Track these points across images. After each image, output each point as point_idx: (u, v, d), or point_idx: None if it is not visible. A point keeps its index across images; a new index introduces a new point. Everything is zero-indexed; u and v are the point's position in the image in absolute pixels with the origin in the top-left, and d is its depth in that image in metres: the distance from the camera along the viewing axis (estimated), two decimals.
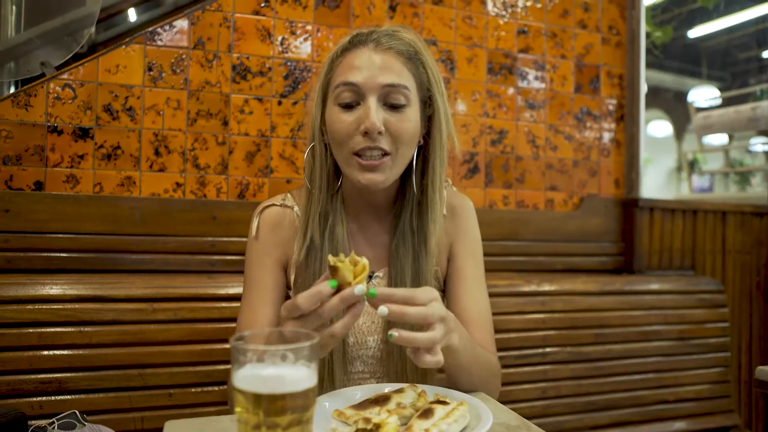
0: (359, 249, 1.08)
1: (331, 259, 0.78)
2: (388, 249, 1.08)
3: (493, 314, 1.77)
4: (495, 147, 2.03)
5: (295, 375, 0.59)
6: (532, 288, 1.84)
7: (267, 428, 0.58)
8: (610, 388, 1.90)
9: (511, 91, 2.05)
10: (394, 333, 0.77)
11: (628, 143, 2.20)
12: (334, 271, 0.78)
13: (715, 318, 2.10)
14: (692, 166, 7.03)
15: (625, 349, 1.93)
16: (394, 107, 0.97)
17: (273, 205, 1.11)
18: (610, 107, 2.20)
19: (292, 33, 1.80)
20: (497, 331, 1.75)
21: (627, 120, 2.20)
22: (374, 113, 0.94)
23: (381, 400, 0.81)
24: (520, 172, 2.06)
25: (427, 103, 1.03)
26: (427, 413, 0.75)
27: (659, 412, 1.99)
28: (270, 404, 0.58)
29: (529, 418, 1.75)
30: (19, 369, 1.35)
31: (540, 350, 1.82)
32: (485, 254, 1.93)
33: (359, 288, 0.77)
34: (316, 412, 0.78)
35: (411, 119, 0.98)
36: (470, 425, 0.77)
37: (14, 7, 2.35)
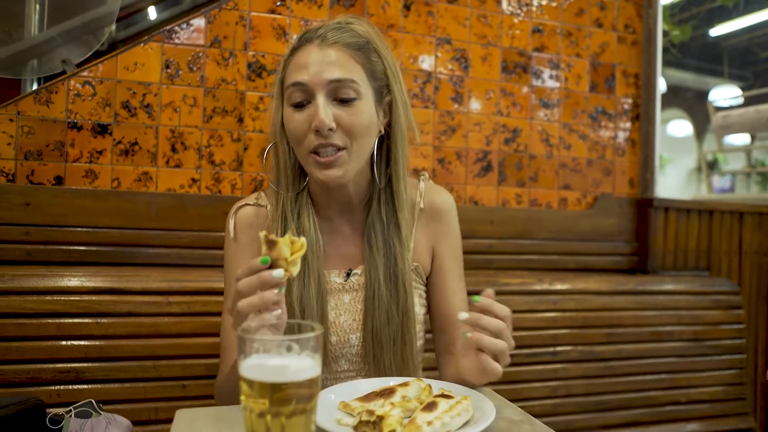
0: (333, 246, 1.08)
1: (263, 234, 0.77)
2: (361, 244, 1.08)
3: None
4: (508, 145, 2.03)
5: (299, 365, 0.61)
6: (544, 287, 1.84)
7: (271, 416, 0.60)
8: (622, 388, 1.89)
9: (525, 89, 2.05)
10: (469, 334, 0.83)
11: (643, 142, 2.18)
12: (271, 245, 0.76)
13: (731, 319, 2.08)
14: (713, 166, 6.93)
15: (638, 349, 1.92)
16: (344, 101, 0.96)
17: (247, 204, 1.12)
18: (626, 106, 2.18)
19: None
20: None
21: (642, 119, 2.19)
22: (322, 111, 0.94)
23: (386, 393, 0.83)
24: (534, 171, 2.06)
25: (384, 92, 1.03)
26: (430, 406, 0.77)
27: (672, 413, 1.98)
28: (274, 393, 0.60)
29: (538, 416, 1.76)
30: (38, 358, 1.39)
31: (551, 349, 1.82)
32: (498, 252, 1.95)
33: (278, 271, 0.75)
34: (323, 404, 0.80)
35: (363, 111, 0.98)
36: (473, 419, 0.78)
37: (37, 6, 2.40)
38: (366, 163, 1.04)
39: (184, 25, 1.70)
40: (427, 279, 1.15)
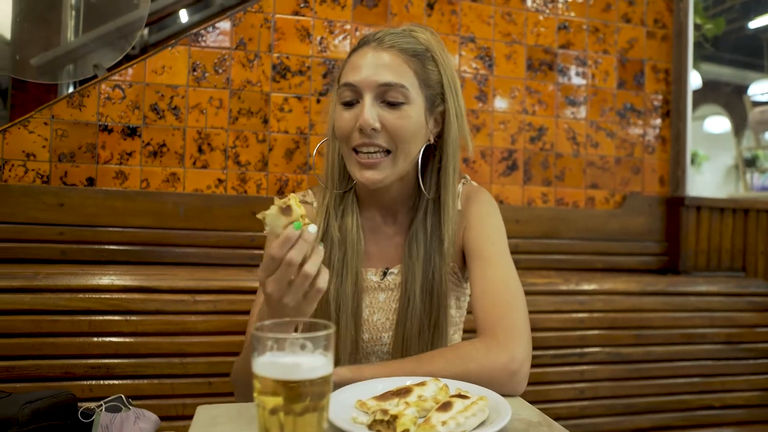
0: (374, 245, 1.09)
1: (278, 201, 0.78)
2: (402, 248, 1.08)
3: (530, 313, 1.77)
4: (534, 144, 2.01)
5: (312, 363, 0.62)
6: (571, 287, 1.82)
7: (284, 414, 0.61)
8: (652, 391, 1.85)
9: (551, 87, 2.02)
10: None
11: (674, 140, 2.13)
12: (287, 210, 0.78)
13: (767, 322, 2.02)
14: (752, 163, 6.72)
15: (668, 352, 1.88)
16: (392, 104, 0.97)
17: None
18: (656, 103, 2.14)
19: (331, 32, 1.83)
20: (535, 329, 1.75)
21: (673, 115, 2.14)
22: (368, 110, 0.96)
23: (402, 392, 0.83)
24: (560, 170, 2.03)
25: (437, 101, 1.02)
26: (446, 406, 0.76)
27: (705, 417, 1.93)
28: (287, 390, 0.60)
29: (565, 418, 1.75)
30: (71, 354, 1.43)
31: (578, 350, 1.80)
32: (524, 252, 1.93)
33: (312, 227, 0.78)
34: (340, 402, 0.81)
35: (411, 116, 0.98)
36: (489, 419, 0.77)
37: (73, 12, 2.48)
38: (411, 169, 1.04)
39: (210, 29, 1.73)
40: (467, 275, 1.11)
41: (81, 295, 1.45)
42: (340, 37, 1.84)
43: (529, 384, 1.73)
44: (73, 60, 2.35)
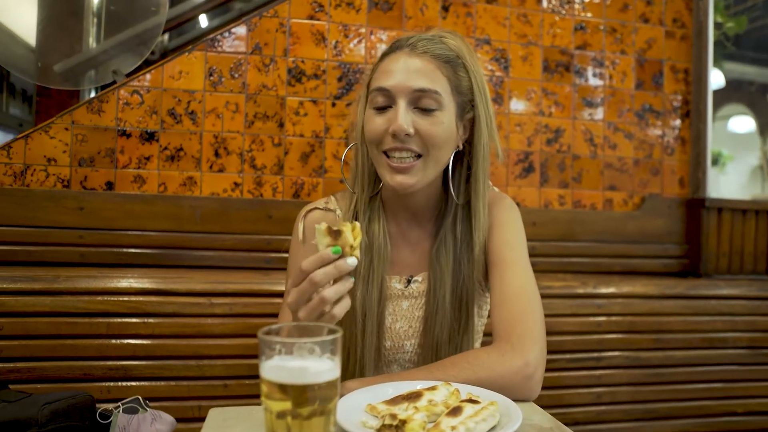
0: (398, 252, 1.09)
1: (324, 225, 0.81)
2: (429, 254, 1.08)
3: (547, 316, 1.76)
4: (551, 146, 1.99)
5: (318, 367, 0.62)
6: (588, 290, 1.80)
7: (291, 417, 0.61)
8: (672, 396, 1.83)
9: (567, 88, 2.00)
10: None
11: (694, 140, 2.10)
12: (337, 234, 0.80)
13: None
14: None
15: (689, 356, 1.85)
16: (425, 110, 0.98)
17: (316, 208, 1.14)
18: (675, 103, 2.10)
19: (346, 36, 1.83)
20: (551, 333, 1.73)
21: (693, 116, 2.10)
22: (402, 116, 0.96)
23: (413, 397, 0.82)
24: (577, 172, 2.01)
25: (467, 108, 1.02)
26: (455, 411, 0.76)
27: (727, 424, 1.89)
28: (293, 394, 0.61)
29: (582, 423, 1.73)
30: (90, 356, 1.46)
31: (595, 354, 1.78)
32: (540, 255, 1.91)
33: (352, 259, 0.80)
34: (350, 406, 0.81)
35: (443, 122, 0.98)
36: (500, 424, 0.77)
37: (95, 19, 2.52)
38: (439, 176, 1.05)
39: (226, 34, 1.75)
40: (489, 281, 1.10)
41: (99, 298, 1.48)
42: (355, 41, 1.84)
43: (545, 388, 1.72)
44: (95, 66, 2.39)
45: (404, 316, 1.07)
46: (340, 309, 0.82)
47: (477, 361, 0.91)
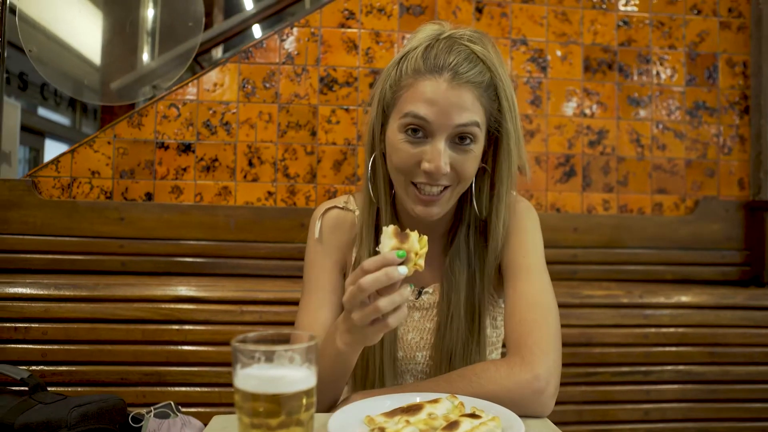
0: None
1: (393, 227, 0.79)
2: (441, 267, 1.04)
3: (587, 326, 1.68)
4: (593, 148, 1.90)
5: (293, 376, 0.60)
6: (634, 300, 1.69)
7: (266, 429, 0.60)
8: (729, 415, 1.69)
9: (611, 88, 1.91)
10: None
11: (754, 139, 1.95)
12: (404, 238, 0.78)
13: None
14: None
15: (748, 372, 1.71)
16: (461, 145, 0.92)
17: (335, 207, 1.11)
18: (732, 99, 1.96)
19: (377, 42, 1.82)
20: (592, 344, 1.65)
21: (753, 112, 1.95)
22: (442, 157, 0.90)
23: (413, 409, 0.79)
24: (623, 175, 1.91)
25: (492, 128, 0.96)
26: (452, 426, 0.72)
27: None
28: (267, 404, 0.59)
29: None
30: (126, 361, 1.51)
31: (642, 368, 1.67)
32: (582, 262, 1.83)
33: (403, 268, 0.76)
34: (348, 417, 0.79)
35: (476, 154, 0.94)
36: None
37: (149, 38, 2.64)
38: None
39: (259, 45, 1.78)
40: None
41: (136, 305, 1.52)
42: (387, 47, 1.83)
43: (589, 402, 1.65)
44: (147, 82, 2.49)
45: (415, 327, 1.04)
46: (395, 319, 0.79)
47: (485, 374, 0.87)
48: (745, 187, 1.96)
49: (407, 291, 0.79)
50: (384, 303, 0.76)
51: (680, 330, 1.69)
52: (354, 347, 0.85)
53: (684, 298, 1.71)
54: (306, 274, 1.11)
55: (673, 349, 1.68)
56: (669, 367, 1.67)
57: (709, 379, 1.69)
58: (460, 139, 0.92)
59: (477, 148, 0.93)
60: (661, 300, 1.70)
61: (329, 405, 0.95)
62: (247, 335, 0.63)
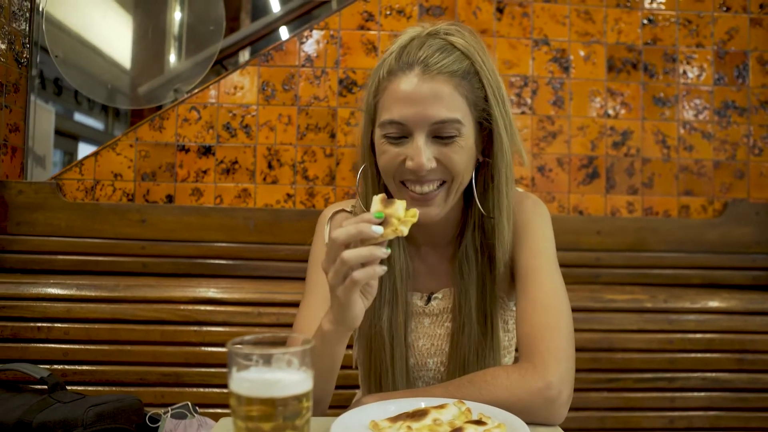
0: (420, 271, 1.04)
1: (381, 194, 0.80)
2: (449, 270, 1.02)
3: (609, 331, 1.64)
4: (617, 149, 1.86)
5: (289, 379, 0.60)
6: (658, 304, 1.64)
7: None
8: (759, 425, 1.63)
9: (635, 88, 1.87)
10: None
11: None
12: (389, 202, 0.79)
13: None
14: None
15: None
16: (445, 138, 0.89)
17: (344, 210, 1.11)
18: (763, 98, 1.90)
19: None
20: (615, 349, 1.60)
21: None
22: (423, 153, 0.88)
23: (418, 415, 0.78)
24: (648, 176, 1.86)
25: (484, 120, 0.93)
26: None
27: None
28: (262, 407, 0.59)
29: None
30: (145, 361, 1.52)
31: (667, 374, 1.62)
32: (606, 266, 1.79)
33: (377, 228, 0.76)
34: (354, 422, 0.78)
35: (463, 147, 0.90)
36: None
37: (176, 42, 2.68)
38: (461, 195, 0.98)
39: (279, 48, 1.79)
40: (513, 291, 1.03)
41: (155, 306, 1.54)
42: None
43: (612, 409, 1.60)
44: (172, 86, 2.53)
45: (426, 333, 1.02)
46: (361, 274, 0.77)
47: (495, 381, 0.85)
48: None
49: (381, 250, 0.76)
50: (350, 254, 0.75)
51: (707, 336, 1.64)
52: (337, 327, 0.84)
53: (711, 303, 1.66)
54: (309, 276, 1.10)
55: (700, 355, 1.63)
56: (695, 374, 1.62)
57: (737, 387, 1.63)
58: (442, 135, 0.89)
59: (463, 140, 0.90)
60: (687, 305, 1.65)
61: (318, 406, 0.92)
62: (243, 338, 0.63)
